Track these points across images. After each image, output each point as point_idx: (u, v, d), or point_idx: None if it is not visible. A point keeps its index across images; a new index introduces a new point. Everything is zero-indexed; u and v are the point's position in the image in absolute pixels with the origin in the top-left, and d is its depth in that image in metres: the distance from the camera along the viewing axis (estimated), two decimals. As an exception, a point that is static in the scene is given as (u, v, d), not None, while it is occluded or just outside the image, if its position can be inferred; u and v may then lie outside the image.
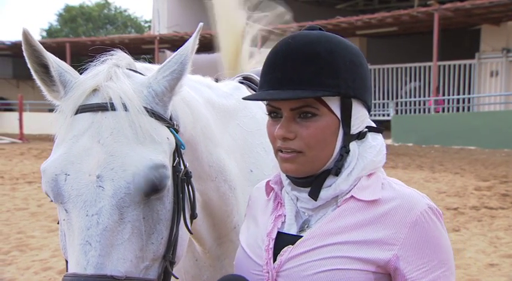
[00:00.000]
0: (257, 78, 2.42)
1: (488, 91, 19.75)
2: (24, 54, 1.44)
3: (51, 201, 1.40)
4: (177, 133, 1.49)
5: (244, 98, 1.48)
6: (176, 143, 1.48)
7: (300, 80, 1.32)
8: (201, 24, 1.57)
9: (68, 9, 49.63)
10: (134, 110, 1.37)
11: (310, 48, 1.34)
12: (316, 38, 1.36)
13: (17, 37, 29.80)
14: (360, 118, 1.39)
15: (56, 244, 5.99)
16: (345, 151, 1.37)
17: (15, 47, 26.95)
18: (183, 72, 1.49)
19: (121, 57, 1.54)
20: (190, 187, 1.54)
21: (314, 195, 1.37)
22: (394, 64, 21.47)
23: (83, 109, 1.40)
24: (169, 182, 1.41)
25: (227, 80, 2.30)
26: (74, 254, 1.29)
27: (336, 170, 1.37)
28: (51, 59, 1.44)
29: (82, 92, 1.41)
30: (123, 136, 1.35)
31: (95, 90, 1.42)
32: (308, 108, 1.33)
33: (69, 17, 48.84)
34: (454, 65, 20.39)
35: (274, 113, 1.40)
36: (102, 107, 1.38)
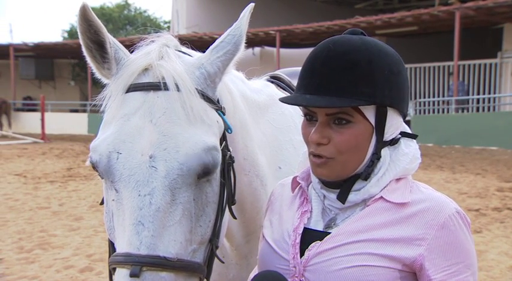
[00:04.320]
0: (286, 77, 2.42)
1: (510, 91, 19.40)
2: (78, 29, 1.43)
3: (99, 175, 1.39)
4: (224, 116, 1.50)
5: (280, 99, 1.47)
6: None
7: (337, 88, 1.33)
8: (252, 4, 1.55)
9: (89, 10, 50.02)
10: (186, 90, 1.37)
11: (350, 56, 1.34)
12: (357, 46, 1.36)
13: (39, 38, 30.20)
14: (394, 126, 1.41)
15: (77, 243, 6.07)
16: (376, 157, 1.39)
17: (37, 48, 27.34)
18: (236, 52, 1.49)
19: (169, 38, 1.54)
20: (232, 172, 1.54)
21: (342, 198, 1.39)
22: (413, 64, 21.23)
23: (134, 88, 1.39)
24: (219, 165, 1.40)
25: (255, 79, 2.30)
26: (124, 234, 1.28)
27: (366, 175, 1.38)
28: (108, 35, 1.44)
29: (134, 70, 1.40)
30: (176, 116, 1.34)
31: (146, 69, 1.41)
32: (343, 115, 1.34)
33: (90, 18, 48.99)
34: (475, 65, 20.09)
35: (309, 116, 1.41)
36: (154, 86, 1.38)
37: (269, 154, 1.96)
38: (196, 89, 1.40)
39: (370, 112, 1.35)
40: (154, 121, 1.33)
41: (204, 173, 1.35)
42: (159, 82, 1.37)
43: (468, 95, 19.44)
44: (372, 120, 1.36)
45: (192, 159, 1.31)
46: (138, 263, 1.22)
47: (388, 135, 1.40)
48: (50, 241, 6.17)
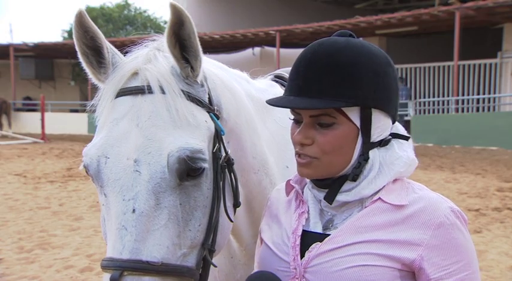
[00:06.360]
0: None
1: (510, 91, 19.40)
2: (74, 36, 1.44)
3: (92, 180, 1.40)
4: (217, 119, 1.48)
5: (267, 101, 1.48)
6: (216, 129, 1.46)
7: (319, 90, 1.34)
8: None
9: (89, 10, 50.10)
10: (171, 92, 1.37)
11: (333, 58, 1.35)
12: (341, 48, 1.37)
13: (39, 38, 30.19)
14: (381, 127, 1.40)
15: (77, 243, 6.08)
16: (363, 158, 1.39)
17: (37, 48, 27.32)
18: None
19: (163, 41, 1.53)
20: (232, 174, 1.52)
21: (329, 199, 1.40)
22: (414, 64, 21.24)
23: (123, 92, 1.40)
24: (207, 168, 1.39)
25: (260, 78, 2.31)
26: (111, 238, 1.30)
27: (353, 176, 1.39)
28: (105, 40, 1.46)
29: (122, 75, 1.42)
30: (161, 120, 1.34)
31: (135, 74, 1.42)
32: (326, 117, 1.35)
33: (90, 18, 49.03)
34: (475, 64, 20.09)
35: (296, 118, 1.43)
36: (141, 90, 1.38)
37: (276, 152, 1.96)
38: (182, 90, 1.40)
39: (354, 113, 1.36)
40: (140, 125, 1.34)
41: (187, 174, 1.34)
42: (145, 86, 1.38)
43: (411, 99, 19.42)
44: (357, 121, 1.36)
45: (172, 160, 1.30)
46: (119, 268, 1.23)
47: (375, 137, 1.40)
48: (50, 241, 6.17)
